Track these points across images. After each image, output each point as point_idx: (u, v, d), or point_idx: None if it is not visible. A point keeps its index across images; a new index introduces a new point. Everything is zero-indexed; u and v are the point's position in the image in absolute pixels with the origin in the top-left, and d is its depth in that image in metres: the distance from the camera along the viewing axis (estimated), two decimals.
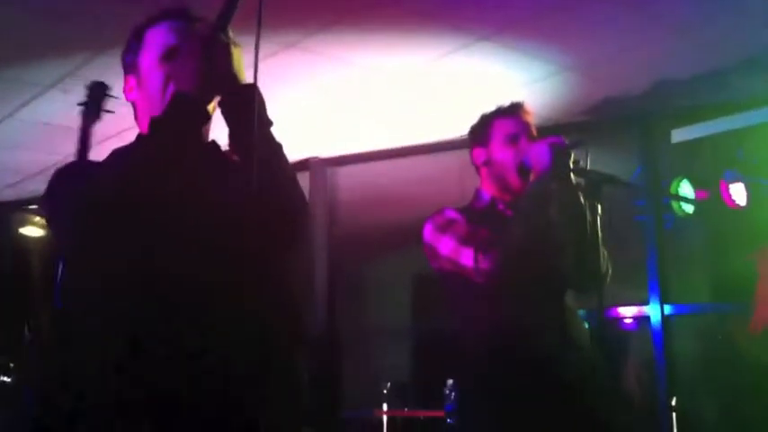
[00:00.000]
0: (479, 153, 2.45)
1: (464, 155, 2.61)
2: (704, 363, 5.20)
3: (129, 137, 1.63)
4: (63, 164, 1.63)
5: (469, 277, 2.22)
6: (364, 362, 6.37)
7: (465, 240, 2.25)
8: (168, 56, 1.63)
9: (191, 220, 1.51)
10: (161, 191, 1.47)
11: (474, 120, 2.52)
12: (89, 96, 2.42)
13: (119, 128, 1.72)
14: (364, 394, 5.54)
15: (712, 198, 4.25)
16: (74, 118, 4.54)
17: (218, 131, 1.67)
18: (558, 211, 2.25)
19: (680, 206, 4.42)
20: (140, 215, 1.45)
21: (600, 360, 2.24)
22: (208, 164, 1.63)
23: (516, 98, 2.51)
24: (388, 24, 3.47)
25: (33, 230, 6.62)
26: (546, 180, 2.22)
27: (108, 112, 2.35)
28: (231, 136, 1.58)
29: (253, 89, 1.57)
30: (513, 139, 2.39)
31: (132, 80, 1.70)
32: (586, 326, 2.37)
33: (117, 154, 1.63)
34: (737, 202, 4.19)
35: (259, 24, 1.49)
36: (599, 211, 2.10)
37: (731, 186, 4.23)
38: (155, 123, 1.52)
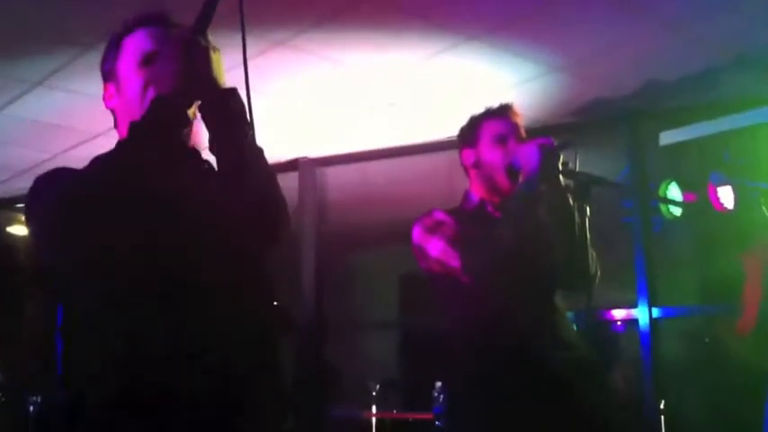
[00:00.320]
0: (468, 154, 2.45)
1: (453, 155, 2.61)
2: (692, 365, 5.22)
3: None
4: (45, 170, 1.62)
5: (458, 278, 2.23)
6: (353, 362, 6.36)
7: (454, 242, 2.25)
8: (146, 61, 1.62)
9: (170, 222, 1.51)
10: (141, 193, 1.46)
11: (463, 120, 2.52)
12: None
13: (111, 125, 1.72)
14: (353, 395, 5.54)
15: (700, 200, 4.26)
16: (61, 115, 4.54)
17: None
18: (546, 213, 2.25)
19: (668, 209, 4.43)
20: (121, 217, 1.44)
21: (589, 361, 2.25)
22: (188, 168, 1.63)
23: (505, 99, 2.52)
24: (378, 23, 3.47)
25: (21, 229, 6.58)
26: (534, 181, 2.22)
27: None
28: (211, 139, 1.57)
29: (232, 93, 1.56)
30: (501, 141, 2.39)
31: (111, 87, 1.70)
32: (574, 327, 2.37)
33: (98, 160, 1.62)
34: (725, 204, 4.20)
35: (243, 26, 1.49)
36: (587, 212, 2.11)
37: (719, 189, 4.24)
38: (134, 127, 1.52)
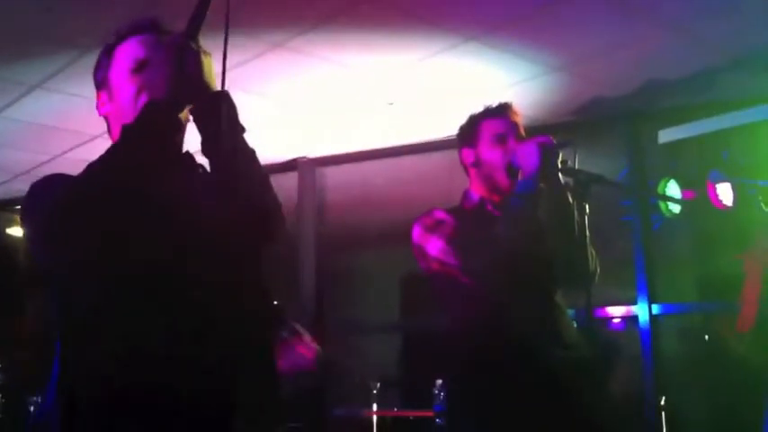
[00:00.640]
0: (468, 153, 2.46)
1: (452, 155, 2.61)
2: (691, 362, 5.22)
3: None
4: (44, 172, 1.63)
5: (458, 278, 2.23)
6: (353, 361, 6.36)
7: (453, 241, 2.25)
8: (138, 68, 1.63)
9: (163, 224, 1.52)
10: (133, 195, 1.46)
11: (462, 120, 2.52)
12: None
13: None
14: (353, 393, 5.54)
15: (699, 198, 4.27)
16: (60, 117, 4.54)
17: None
18: (546, 211, 2.26)
19: (667, 206, 4.44)
20: (114, 220, 1.45)
21: (588, 359, 2.25)
22: (180, 171, 1.64)
23: (504, 98, 2.52)
24: (376, 24, 3.47)
25: (20, 230, 6.58)
26: (534, 180, 2.22)
27: None
28: (203, 142, 1.58)
29: (223, 96, 1.57)
30: (501, 140, 2.40)
31: (104, 95, 1.71)
32: (575, 325, 2.38)
33: (91, 165, 1.63)
34: (724, 202, 4.20)
35: (227, 27, 1.50)
36: (587, 210, 2.11)
37: (718, 187, 4.24)
38: (125, 130, 1.52)
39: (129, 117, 1.57)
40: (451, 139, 2.61)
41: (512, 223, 2.21)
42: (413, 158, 5.12)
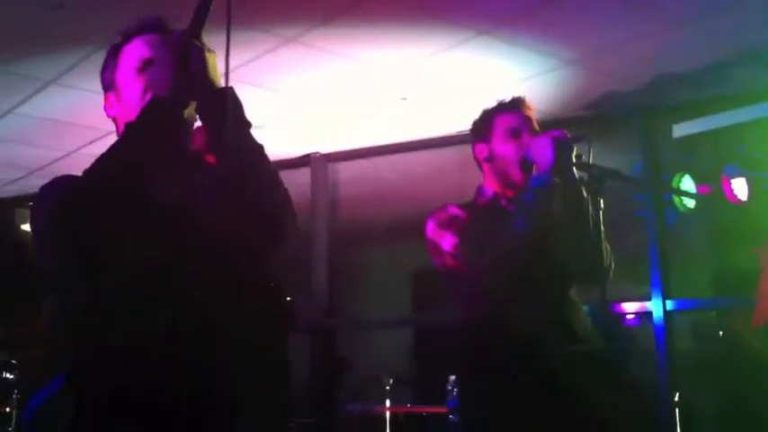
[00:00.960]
0: (481, 148, 2.45)
1: (465, 150, 2.60)
2: (706, 358, 5.20)
3: None
4: (59, 168, 1.64)
5: (471, 273, 2.22)
6: (365, 356, 6.37)
7: (468, 236, 2.25)
8: (144, 68, 1.64)
9: (166, 221, 1.52)
10: (137, 193, 1.47)
11: (475, 115, 2.52)
12: None
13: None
14: (366, 390, 5.55)
15: (714, 193, 4.24)
16: (75, 113, 4.56)
17: None
18: (560, 206, 2.25)
19: (681, 201, 4.42)
20: (118, 219, 1.45)
21: (602, 354, 2.24)
22: (185, 168, 1.64)
23: (516, 93, 2.51)
24: (389, 19, 3.46)
25: None
26: (548, 174, 2.21)
27: None
28: (211, 140, 1.58)
29: (229, 92, 1.57)
30: (514, 134, 2.39)
31: (111, 96, 1.72)
32: (589, 320, 2.37)
33: (96, 162, 1.64)
34: (739, 196, 4.18)
35: (229, 23, 1.50)
36: (601, 205, 2.10)
37: (733, 181, 4.22)
38: (129, 126, 1.53)
39: (135, 116, 1.57)
40: (464, 135, 2.60)
41: (526, 218, 2.20)
42: (425, 154, 5.11)
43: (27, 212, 6.49)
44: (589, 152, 2.24)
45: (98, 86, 1.78)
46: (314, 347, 5.05)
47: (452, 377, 4.04)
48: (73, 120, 4.48)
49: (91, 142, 4.78)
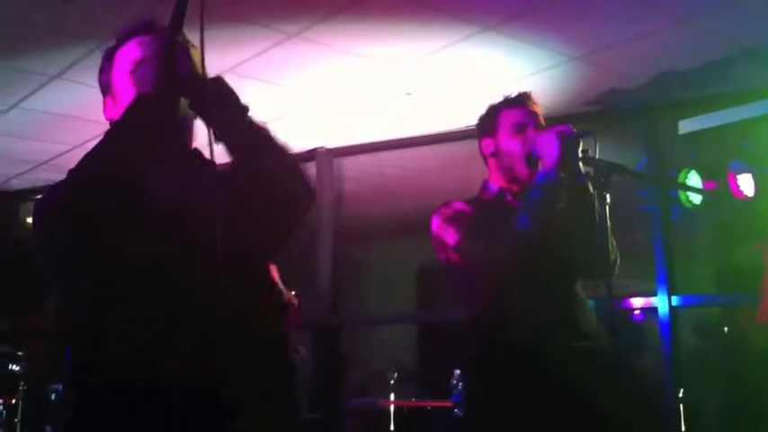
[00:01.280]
0: (487, 143, 2.45)
1: (470, 145, 2.60)
2: (710, 354, 5.19)
3: None
4: (64, 161, 1.64)
5: (476, 268, 2.22)
6: (370, 351, 6.38)
7: (473, 231, 2.25)
8: (136, 69, 1.64)
9: (153, 220, 1.51)
10: (120, 191, 1.47)
11: (480, 110, 2.51)
12: None
13: None
14: (371, 384, 5.56)
15: (719, 189, 4.23)
16: (80, 107, 4.57)
17: None
18: (566, 201, 2.24)
19: (687, 197, 4.41)
20: (99, 218, 1.45)
21: (608, 350, 2.24)
22: (186, 163, 1.65)
23: (521, 88, 2.50)
24: (393, 14, 3.46)
25: None
26: (554, 169, 2.21)
27: None
28: (213, 131, 1.59)
29: (218, 80, 1.58)
30: (520, 129, 2.38)
31: (109, 100, 1.73)
32: (594, 315, 2.36)
33: (78, 164, 1.64)
34: (745, 192, 4.17)
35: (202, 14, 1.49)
36: (608, 200, 2.09)
37: (739, 177, 4.21)
38: (114, 124, 1.53)
39: None
40: (469, 130, 2.60)
41: (531, 214, 2.20)
42: (430, 149, 5.11)
43: (32, 206, 6.51)
44: (595, 147, 2.23)
45: None
46: (318, 344, 5.06)
47: (457, 372, 4.05)
48: (78, 114, 4.48)
49: (95, 136, 4.75)
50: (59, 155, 5.14)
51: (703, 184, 4.32)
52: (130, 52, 1.68)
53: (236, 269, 1.52)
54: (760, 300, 3.95)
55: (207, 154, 1.59)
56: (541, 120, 2.43)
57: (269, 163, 1.58)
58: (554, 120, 2.60)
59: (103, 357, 1.48)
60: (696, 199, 4.40)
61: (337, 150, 5.26)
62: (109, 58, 1.74)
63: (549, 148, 2.22)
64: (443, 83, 4.20)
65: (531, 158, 2.32)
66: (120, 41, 1.73)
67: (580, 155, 2.23)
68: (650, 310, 4.30)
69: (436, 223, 2.34)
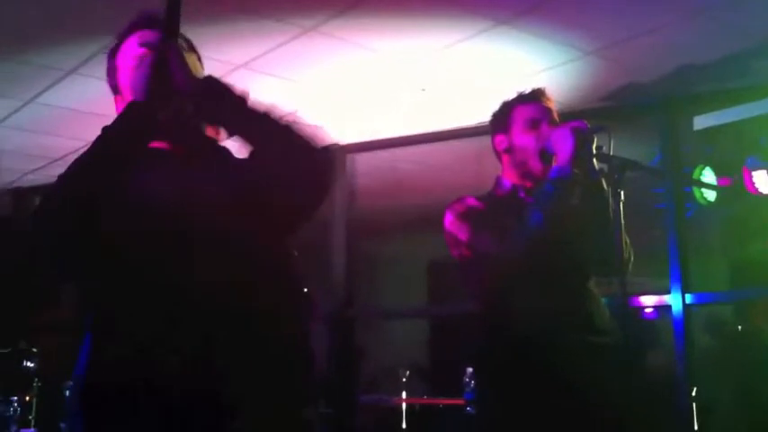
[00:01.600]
0: (501, 139, 2.44)
1: (482, 141, 2.59)
2: (724, 351, 5.17)
3: None
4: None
5: (489, 264, 2.22)
6: (382, 347, 6.39)
7: (486, 227, 2.24)
8: (138, 66, 1.65)
9: (155, 217, 1.52)
10: (113, 190, 1.49)
11: (493, 106, 2.51)
12: None
13: None
14: (383, 381, 5.56)
15: (734, 185, 4.21)
16: (95, 103, 4.59)
17: None
18: (580, 197, 2.23)
19: (702, 194, 4.38)
20: (87, 221, 1.47)
21: (621, 347, 2.23)
22: (186, 163, 1.65)
23: (536, 83, 2.50)
24: (408, 9, 3.45)
25: None
26: (568, 165, 2.20)
27: None
28: (223, 128, 1.60)
29: (211, 81, 1.59)
30: (534, 125, 2.37)
31: (119, 99, 1.76)
32: (607, 312, 2.36)
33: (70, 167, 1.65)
34: (760, 189, 4.14)
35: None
36: (622, 197, 2.08)
37: (754, 173, 4.18)
38: (104, 130, 1.56)
39: None
40: (482, 126, 2.59)
41: (544, 210, 2.19)
42: (443, 145, 5.10)
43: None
44: (609, 143, 2.22)
45: None
46: (332, 338, 5.06)
47: (469, 369, 4.04)
48: (93, 110, 4.50)
49: None
50: (74, 151, 5.15)
51: (718, 180, 4.29)
52: (131, 49, 1.70)
53: (246, 264, 1.51)
54: None
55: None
56: (555, 116, 2.42)
57: (281, 145, 1.59)
58: (568, 115, 2.60)
59: (104, 357, 1.48)
60: (711, 195, 4.38)
61: (351, 146, 5.26)
62: (113, 57, 1.76)
63: (563, 143, 2.21)
64: (457, 78, 4.19)
65: (545, 154, 2.31)
66: (122, 39, 1.74)
67: (594, 151, 2.22)
68: (664, 308, 4.28)
69: (449, 219, 2.34)
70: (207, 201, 1.56)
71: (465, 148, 4.84)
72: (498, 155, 2.47)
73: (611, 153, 2.21)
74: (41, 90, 4.30)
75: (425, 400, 5.13)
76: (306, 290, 1.74)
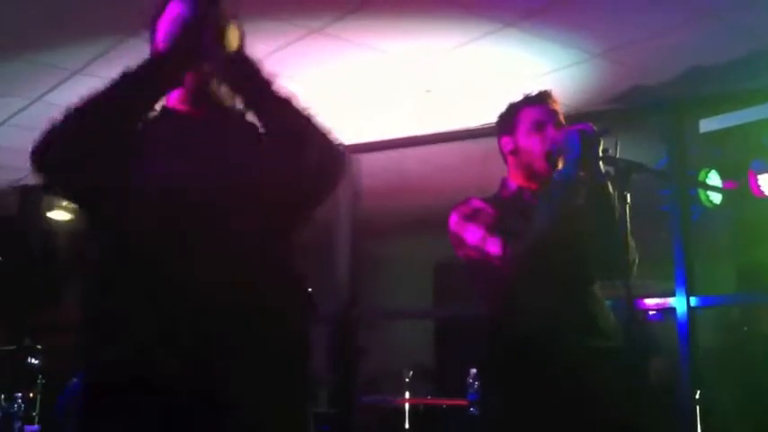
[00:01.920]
0: (507, 141, 2.44)
1: (488, 143, 2.59)
2: (729, 355, 5.15)
3: None
4: None
5: (495, 266, 2.22)
6: (385, 348, 6.38)
7: (492, 229, 2.24)
8: (174, 20, 1.64)
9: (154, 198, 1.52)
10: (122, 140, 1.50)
11: (499, 108, 2.51)
12: None
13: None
14: (386, 381, 5.56)
15: (740, 188, 4.20)
16: None
17: None
18: (586, 200, 2.23)
19: (707, 197, 4.37)
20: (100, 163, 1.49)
21: (624, 351, 2.23)
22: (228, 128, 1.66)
23: (542, 86, 2.49)
24: (414, 10, 3.45)
25: (61, 214, 6.69)
26: (574, 167, 2.20)
27: None
28: (245, 105, 1.61)
29: (240, 53, 1.61)
30: (539, 127, 2.37)
31: None
32: (612, 316, 2.35)
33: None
34: (765, 191, 4.13)
35: None
36: (628, 200, 2.08)
37: (760, 177, 4.18)
38: (122, 74, 1.56)
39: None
40: (488, 127, 2.59)
41: (549, 212, 2.19)
42: (449, 146, 5.10)
43: (53, 200, 6.57)
44: (616, 146, 2.22)
45: None
46: (335, 338, 5.06)
47: (473, 370, 4.03)
48: None
49: None
50: None
51: (723, 183, 4.28)
52: (172, 9, 1.67)
53: (247, 263, 1.51)
54: None
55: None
56: (561, 118, 2.42)
57: (298, 131, 1.61)
58: (574, 118, 2.59)
59: (104, 357, 1.48)
60: (716, 198, 4.37)
61: (356, 147, 5.26)
62: (154, 22, 1.73)
63: (569, 146, 2.21)
64: (463, 80, 4.19)
65: (551, 156, 2.31)
66: (163, 5, 1.72)
67: (600, 154, 2.22)
68: (668, 311, 4.27)
69: (454, 220, 2.34)
70: (211, 175, 1.55)
71: (471, 149, 4.84)
72: (504, 156, 2.47)
73: (617, 156, 2.21)
74: (47, 89, 4.31)
75: (429, 400, 5.13)
76: (309, 289, 1.73)
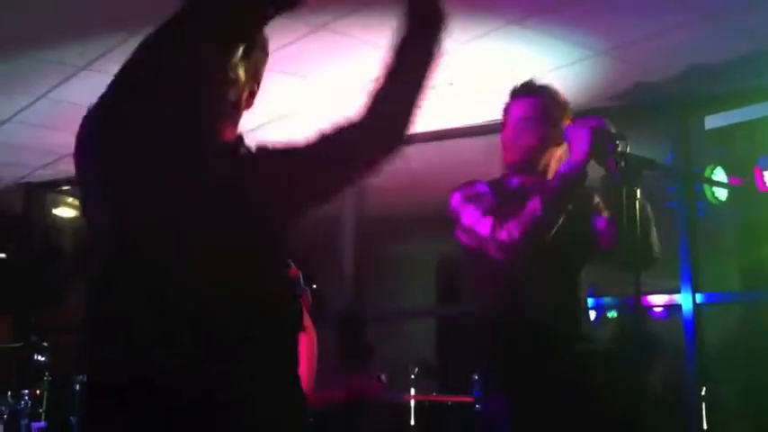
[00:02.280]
0: (503, 136, 2.48)
1: (492, 139, 2.60)
2: (734, 351, 5.15)
3: None
4: None
5: (488, 252, 2.21)
6: (390, 344, 6.39)
7: (487, 212, 2.24)
8: None
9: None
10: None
11: (502, 105, 2.53)
12: None
13: None
14: (392, 378, 5.55)
15: (746, 185, 4.20)
16: None
17: None
18: (605, 198, 2.25)
19: (713, 194, 4.37)
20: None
21: (608, 353, 2.25)
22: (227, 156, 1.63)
23: (547, 82, 2.50)
24: None
25: (66, 211, 6.71)
26: (580, 163, 2.19)
27: None
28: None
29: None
30: (524, 122, 2.39)
31: None
32: (592, 316, 2.37)
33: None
34: None
35: None
36: (638, 196, 2.07)
37: (765, 173, 4.17)
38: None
39: None
40: (492, 124, 2.60)
41: (546, 204, 2.19)
42: (454, 143, 5.10)
43: (58, 197, 6.57)
44: (626, 143, 2.21)
45: None
46: (342, 335, 5.07)
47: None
48: None
49: None
50: None
51: (729, 180, 4.28)
52: None
53: (248, 263, 1.50)
54: None
55: None
56: (560, 112, 2.42)
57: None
58: (581, 114, 2.59)
59: (104, 357, 1.47)
60: (722, 195, 4.36)
61: None
62: None
63: (578, 141, 2.20)
64: (467, 77, 4.19)
65: (537, 151, 2.34)
66: None
67: (612, 149, 2.21)
68: (674, 308, 4.27)
69: (456, 198, 2.35)
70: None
71: (475, 146, 4.83)
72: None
73: (628, 152, 2.20)
74: (52, 86, 4.32)
75: (434, 397, 5.13)
76: (315, 287, 1.73)
